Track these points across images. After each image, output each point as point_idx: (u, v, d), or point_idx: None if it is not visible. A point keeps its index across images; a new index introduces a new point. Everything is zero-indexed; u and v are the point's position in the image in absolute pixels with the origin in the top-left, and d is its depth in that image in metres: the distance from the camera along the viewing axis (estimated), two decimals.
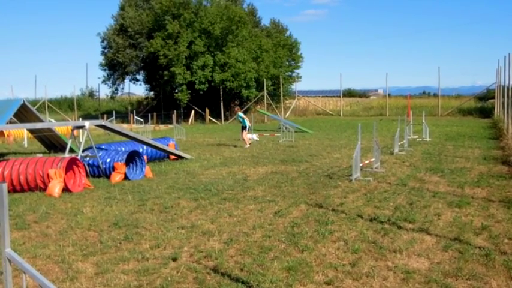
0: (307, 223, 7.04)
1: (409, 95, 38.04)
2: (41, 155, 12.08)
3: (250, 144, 18.49)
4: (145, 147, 13.78)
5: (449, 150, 15.62)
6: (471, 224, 6.83)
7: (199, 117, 37.47)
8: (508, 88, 19.90)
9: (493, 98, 35.33)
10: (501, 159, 13.09)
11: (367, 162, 12.47)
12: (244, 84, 36.39)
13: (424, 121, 19.99)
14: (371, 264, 5.30)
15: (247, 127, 18.86)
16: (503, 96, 23.44)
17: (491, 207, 7.84)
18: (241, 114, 19.50)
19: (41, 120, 16.71)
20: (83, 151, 11.82)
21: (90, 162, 11.69)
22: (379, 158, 12.20)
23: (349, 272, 5.10)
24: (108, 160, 11.48)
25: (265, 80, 37.46)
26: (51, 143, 17.76)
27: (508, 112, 19.22)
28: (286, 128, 21.98)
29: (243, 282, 4.83)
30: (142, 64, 42.53)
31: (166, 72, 36.40)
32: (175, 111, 31.38)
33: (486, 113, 35.33)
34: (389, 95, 45.86)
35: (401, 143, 16.30)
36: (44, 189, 9.62)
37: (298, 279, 4.91)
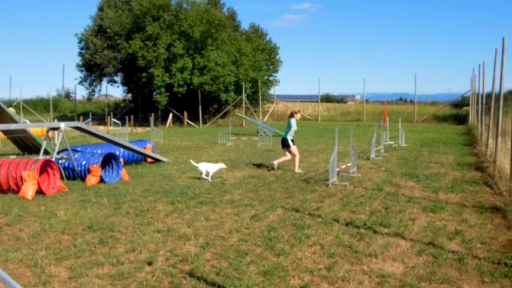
0: (283, 227, 7.05)
1: (385, 101, 38.47)
2: (14, 157, 11.88)
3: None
4: (121, 149, 13.65)
5: (424, 156, 15.83)
6: (445, 229, 6.93)
7: (177, 120, 37.28)
8: (482, 96, 20.28)
9: (468, 105, 35.94)
10: (475, 165, 13.32)
11: (344, 167, 12.56)
12: (223, 88, 36.34)
13: (400, 127, 20.22)
14: (347, 268, 5.33)
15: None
16: (477, 104, 23.87)
17: (464, 212, 7.96)
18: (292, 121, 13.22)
19: (15, 121, 16.44)
20: (58, 153, 11.64)
21: (65, 164, 11.53)
22: (356, 163, 12.30)
23: (325, 276, 5.12)
24: (83, 162, 11.34)
25: (244, 83, 37.47)
26: (26, 145, 17.47)
27: (481, 119, 19.58)
28: (264, 132, 22.01)
29: (219, 287, 4.82)
30: (120, 66, 42.14)
31: (144, 74, 36.14)
32: (153, 113, 31.09)
33: (461, 119, 35.92)
34: (366, 100, 46.25)
35: (378, 148, 16.46)
36: (17, 192, 9.44)
37: (274, 284, 4.91)
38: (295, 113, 13.69)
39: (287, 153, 12.84)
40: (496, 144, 11.64)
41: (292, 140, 12.94)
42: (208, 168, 11.51)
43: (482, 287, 4.85)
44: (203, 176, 11.39)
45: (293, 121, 13.14)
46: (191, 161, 12.17)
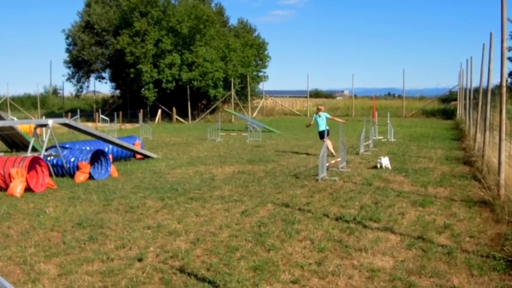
0: (274, 222, 7.06)
1: (374, 96, 38.54)
2: (2, 154, 11.78)
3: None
4: (110, 146, 13.58)
5: (413, 151, 15.93)
6: (434, 223, 6.98)
7: (166, 116, 37.15)
8: (469, 90, 20.44)
9: (456, 100, 36.17)
10: (463, 160, 13.43)
11: (333, 162, 12.59)
12: (212, 84, 36.26)
13: (389, 122, 20.33)
14: (337, 263, 5.35)
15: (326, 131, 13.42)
16: (465, 99, 24.07)
17: (453, 206, 8.03)
18: (322, 115, 15.14)
19: (2, 118, 16.28)
20: (46, 150, 11.56)
21: (54, 161, 11.45)
22: (345, 158, 12.35)
23: (315, 270, 5.14)
24: (72, 159, 11.27)
25: (233, 79, 37.41)
26: (13, 142, 17.32)
27: (469, 114, 19.73)
28: (253, 127, 22.02)
29: (209, 282, 4.81)
30: (108, 62, 41.91)
31: (132, 70, 35.96)
32: (141, 110, 30.99)
33: (449, 114, 36.15)
34: (355, 95, 46.47)
35: (367, 143, 16.52)
36: (5, 189, 9.37)
37: (265, 279, 4.92)
38: (320, 108, 15.74)
39: (327, 141, 13.10)
40: (484, 138, 11.73)
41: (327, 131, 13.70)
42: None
43: (471, 280, 4.89)
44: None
45: (323, 114, 15.18)
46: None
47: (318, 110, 15.50)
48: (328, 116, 15.42)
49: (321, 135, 14.48)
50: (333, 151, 14.28)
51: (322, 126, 14.78)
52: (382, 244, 6.04)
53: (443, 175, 11.03)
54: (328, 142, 13.22)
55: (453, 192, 9.17)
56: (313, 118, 15.37)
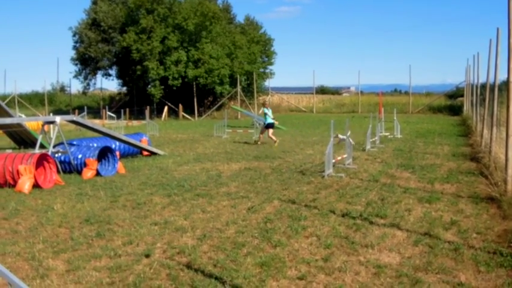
0: (280, 219, 7.07)
1: (380, 93, 38.40)
2: (10, 151, 11.86)
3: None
4: (117, 143, 13.63)
5: (419, 147, 15.88)
6: (441, 219, 6.97)
7: (173, 113, 37.21)
8: (476, 86, 20.33)
9: (462, 96, 35.97)
10: (470, 156, 13.38)
11: (339, 158, 12.58)
12: (218, 81, 36.28)
13: (395, 118, 20.26)
14: (343, 259, 5.36)
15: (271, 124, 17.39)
16: (472, 94, 23.94)
17: (460, 202, 8.01)
18: (265, 110, 17.92)
19: (10, 116, 16.37)
20: (53, 147, 11.63)
21: (62, 158, 11.51)
22: (352, 155, 12.34)
23: (322, 267, 5.15)
24: (79, 156, 11.32)
25: (239, 76, 37.41)
26: (21, 139, 17.41)
27: (476, 110, 19.63)
28: (259, 124, 22.00)
29: (216, 278, 4.84)
30: (114, 59, 42.00)
31: (139, 67, 36.04)
32: (148, 106, 31.04)
33: (455, 110, 35.98)
34: (361, 92, 46.28)
35: (373, 139, 16.49)
36: (14, 186, 9.44)
37: (271, 275, 4.94)
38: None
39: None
40: (491, 134, 11.67)
41: None
42: None
43: (478, 277, 4.88)
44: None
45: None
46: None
47: (266, 105, 18.97)
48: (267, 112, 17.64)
49: (269, 126, 17.37)
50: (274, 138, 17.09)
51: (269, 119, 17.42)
52: (389, 240, 6.04)
53: (450, 171, 11.00)
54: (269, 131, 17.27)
55: (460, 189, 9.15)
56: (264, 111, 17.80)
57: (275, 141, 16.98)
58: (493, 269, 5.04)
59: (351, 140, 12.32)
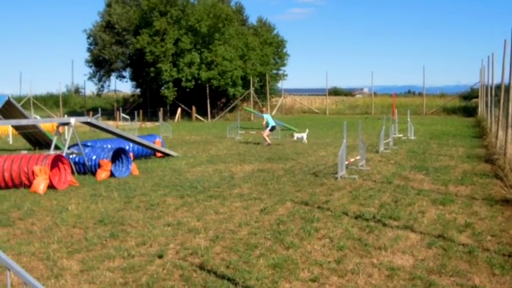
0: (293, 220, 7.07)
1: (394, 94, 38.19)
2: (25, 152, 11.98)
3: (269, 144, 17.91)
4: (131, 144, 13.72)
5: (433, 149, 15.77)
6: (455, 222, 6.92)
7: (186, 114, 37.36)
8: (491, 87, 20.14)
9: (477, 97, 35.64)
10: (484, 158, 13.26)
11: (352, 160, 12.54)
12: (231, 83, 36.34)
13: (409, 120, 20.14)
14: (356, 261, 5.34)
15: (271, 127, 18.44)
16: (486, 96, 23.71)
17: (474, 204, 7.94)
18: (265, 115, 19.28)
19: (26, 117, 16.56)
20: (68, 148, 11.74)
21: (76, 159, 11.61)
22: (365, 156, 12.29)
23: (335, 269, 5.14)
24: (93, 157, 11.42)
25: (251, 77, 37.44)
26: (36, 140, 17.61)
27: (491, 111, 19.45)
28: (280, 128, 21.98)
29: (229, 280, 4.85)
30: (128, 61, 42.30)
31: (152, 69, 36.24)
32: (161, 108, 31.23)
33: (470, 111, 35.68)
34: (374, 93, 46.08)
35: (387, 141, 16.41)
36: (29, 186, 9.54)
37: (284, 276, 4.94)
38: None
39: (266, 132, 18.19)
40: (506, 136, 11.56)
41: None
42: None
43: (492, 280, 4.84)
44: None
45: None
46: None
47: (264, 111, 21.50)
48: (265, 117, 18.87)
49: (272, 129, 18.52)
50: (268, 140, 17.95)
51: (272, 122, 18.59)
52: (402, 242, 6.00)
53: (464, 173, 10.91)
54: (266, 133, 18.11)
55: (474, 191, 9.07)
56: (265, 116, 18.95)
57: (268, 144, 17.75)
58: (507, 272, 4.99)
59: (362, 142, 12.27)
